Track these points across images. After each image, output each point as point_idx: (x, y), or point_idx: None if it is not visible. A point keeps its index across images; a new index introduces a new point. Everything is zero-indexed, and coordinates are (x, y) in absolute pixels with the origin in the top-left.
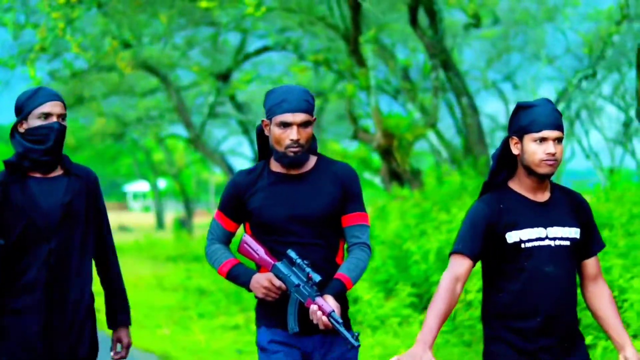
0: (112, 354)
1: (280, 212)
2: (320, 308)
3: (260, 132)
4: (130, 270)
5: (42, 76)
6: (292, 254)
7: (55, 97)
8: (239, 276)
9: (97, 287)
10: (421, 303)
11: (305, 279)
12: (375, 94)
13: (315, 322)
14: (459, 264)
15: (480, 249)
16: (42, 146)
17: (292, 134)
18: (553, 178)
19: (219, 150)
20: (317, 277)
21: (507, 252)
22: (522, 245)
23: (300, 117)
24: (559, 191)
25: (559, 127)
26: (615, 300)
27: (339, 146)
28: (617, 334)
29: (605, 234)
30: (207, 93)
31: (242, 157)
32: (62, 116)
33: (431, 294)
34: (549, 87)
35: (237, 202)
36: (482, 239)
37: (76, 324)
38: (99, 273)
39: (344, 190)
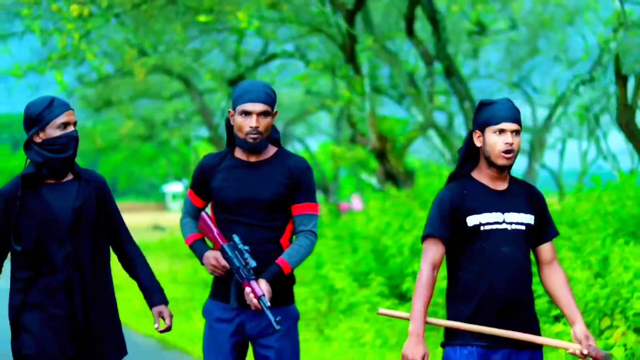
0: (155, 326)
1: (233, 193)
2: (252, 291)
3: (227, 122)
4: (150, 266)
5: (70, 81)
6: (236, 239)
7: (69, 106)
8: (196, 250)
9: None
10: (392, 292)
11: (244, 263)
12: (370, 100)
13: (248, 302)
14: (434, 250)
15: (449, 231)
16: (63, 155)
17: (252, 121)
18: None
19: None
20: (252, 263)
21: (467, 234)
22: (482, 228)
23: (259, 107)
24: (516, 183)
25: (517, 121)
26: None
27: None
28: (569, 311)
29: (563, 230)
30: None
31: None
32: (75, 124)
33: (406, 285)
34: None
35: (202, 181)
36: (449, 222)
37: (97, 324)
38: (125, 268)
39: (294, 181)
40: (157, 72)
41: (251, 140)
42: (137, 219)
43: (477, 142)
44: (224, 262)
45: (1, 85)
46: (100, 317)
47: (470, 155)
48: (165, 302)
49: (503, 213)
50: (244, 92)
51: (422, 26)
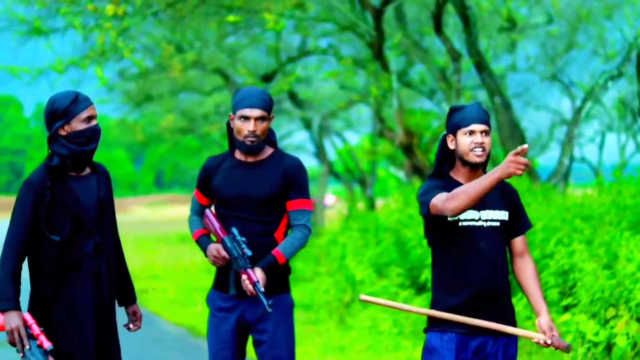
0: (130, 325)
1: (231, 191)
2: (248, 278)
3: (228, 125)
4: (186, 257)
5: (110, 75)
6: (235, 231)
7: (91, 101)
8: (201, 244)
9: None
10: (412, 283)
11: (241, 253)
12: (397, 96)
13: (244, 288)
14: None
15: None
16: (87, 147)
17: (250, 125)
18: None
19: (280, 146)
20: (249, 253)
21: (447, 229)
22: (460, 224)
23: (257, 112)
24: None
25: (485, 122)
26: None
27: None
28: (536, 302)
29: (576, 223)
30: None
31: (306, 152)
32: (96, 118)
33: (424, 276)
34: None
35: (206, 181)
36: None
37: (113, 311)
38: None
39: (288, 179)
40: (195, 67)
41: (249, 143)
42: (180, 211)
43: (451, 145)
44: (224, 253)
45: (44, 80)
46: (114, 308)
47: (445, 158)
48: (136, 300)
49: (479, 211)
50: (242, 98)
51: (453, 23)
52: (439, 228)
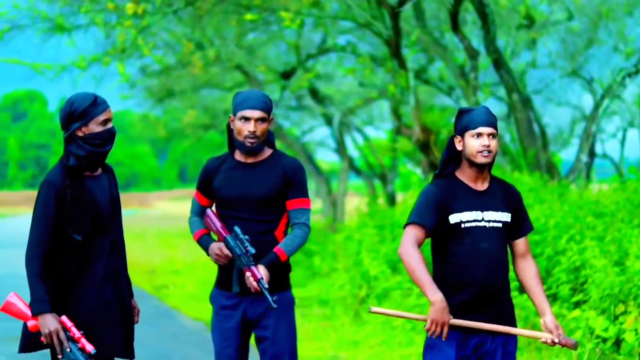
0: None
1: (232, 191)
2: (252, 275)
3: (228, 126)
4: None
5: (132, 72)
6: (237, 230)
7: (108, 104)
8: (202, 243)
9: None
10: None
11: (244, 251)
12: (414, 93)
13: (248, 285)
14: (417, 234)
15: (433, 223)
16: (103, 149)
17: (250, 126)
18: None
19: (301, 142)
20: (252, 250)
21: (450, 230)
22: (462, 225)
23: (257, 113)
24: (495, 182)
25: (493, 125)
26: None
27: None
28: (539, 302)
29: (588, 220)
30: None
31: (328, 148)
32: (112, 120)
33: None
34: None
35: (206, 182)
36: (434, 215)
37: (127, 306)
38: None
39: (287, 179)
40: (216, 64)
41: (249, 144)
42: None
43: (458, 146)
44: (226, 252)
45: (67, 77)
46: (129, 303)
47: (452, 158)
48: (132, 295)
49: (482, 211)
50: (243, 99)
51: (472, 20)
52: (442, 229)
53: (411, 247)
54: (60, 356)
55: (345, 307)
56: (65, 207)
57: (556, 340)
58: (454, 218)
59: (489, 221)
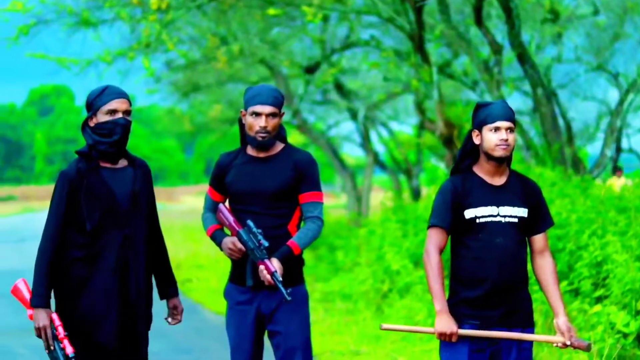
0: (169, 319)
1: (245, 186)
2: (266, 268)
3: (240, 121)
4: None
5: (158, 66)
6: (250, 224)
7: (121, 95)
8: (216, 238)
9: None
10: (448, 274)
11: (257, 244)
12: (438, 88)
13: (262, 279)
14: (439, 237)
15: (451, 219)
16: (109, 139)
17: (261, 121)
18: None
19: (326, 136)
20: (265, 243)
21: (465, 225)
22: (477, 221)
23: (268, 109)
24: (514, 177)
25: (510, 119)
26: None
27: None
28: (554, 302)
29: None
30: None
31: (353, 142)
32: (127, 112)
33: None
34: None
35: (219, 177)
36: (451, 211)
37: (144, 301)
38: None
39: (299, 173)
40: (240, 58)
41: (260, 138)
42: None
43: (476, 140)
44: (240, 246)
45: (92, 71)
46: (146, 295)
47: (469, 153)
48: (178, 293)
49: (498, 207)
50: (254, 95)
51: (497, 14)
52: (457, 224)
53: (432, 254)
54: (47, 351)
55: (367, 302)
56: (79, 195)
57: (567, 343)
58: (469, 213)
59: (504, 216)
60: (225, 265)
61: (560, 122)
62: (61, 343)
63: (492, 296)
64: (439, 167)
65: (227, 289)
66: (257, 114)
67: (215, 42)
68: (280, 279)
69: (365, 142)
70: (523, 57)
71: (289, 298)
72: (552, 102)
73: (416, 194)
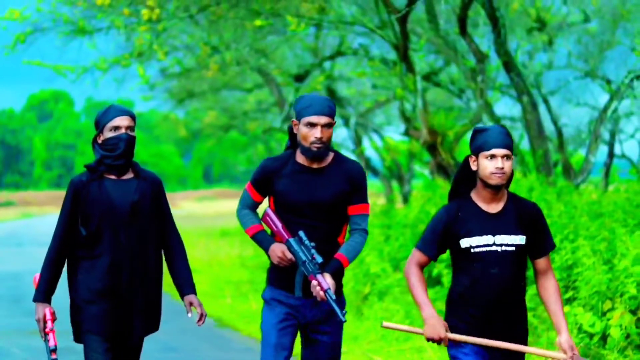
0: (189, 315)
1: (298, 197)
2: (319, 284)
3: (290, 129)
4: (222, 250)
5: (152, 74)
6: (302, 235)
7: (124, 112)
8: (261, 241)
9: None
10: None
11: (310, 258)
12: (422, 97)
13: (314, 294)
14: (421, 260)
15: (437, 251)
16: (114, 153)
17: (317, 132)
18: None
19: None
20: (319, 259)
21: (460, 253)
22: (472, 250)
23: (323, 119)
24: (512, 202)
25: (507, 147)
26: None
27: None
28: (557, 320)
29: (582, 220)
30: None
31: (347, 148)
32: (129, 128)
33: (436, 270)
34: None
35: (264, 182)
36: (439, 242)
37: (140, 302)
38: (165, 256)
39: (352, 185)
40: (232, 66)
41: (315, 149)
42: (227, 205)
43: (473, 166)
44: (290, 255)
45: (88, 78)
46: (144, 295)
47: (465, 178)
48: (195, 292)
49: (494, 236)
50: (308, 105)
51: (484, 23)
52: (453, 251)
53: (413, 267)
54: (43, 339)
55: (348, 304)
56: (81, 203)
57: None
58: (464, 242)
59: (500, 245)
60: (217, 269)
61: (552, 128)
62: (47, 335)
63: (486, 323)
64: (422, 173)
65: (267, 291)
66: (312, 125)
67: (207, 51)
68: (334, 297)
69: (358, 149)
70: (509, 65)
71: (344, 320)
72: (538, 110)
73: (406, 200)
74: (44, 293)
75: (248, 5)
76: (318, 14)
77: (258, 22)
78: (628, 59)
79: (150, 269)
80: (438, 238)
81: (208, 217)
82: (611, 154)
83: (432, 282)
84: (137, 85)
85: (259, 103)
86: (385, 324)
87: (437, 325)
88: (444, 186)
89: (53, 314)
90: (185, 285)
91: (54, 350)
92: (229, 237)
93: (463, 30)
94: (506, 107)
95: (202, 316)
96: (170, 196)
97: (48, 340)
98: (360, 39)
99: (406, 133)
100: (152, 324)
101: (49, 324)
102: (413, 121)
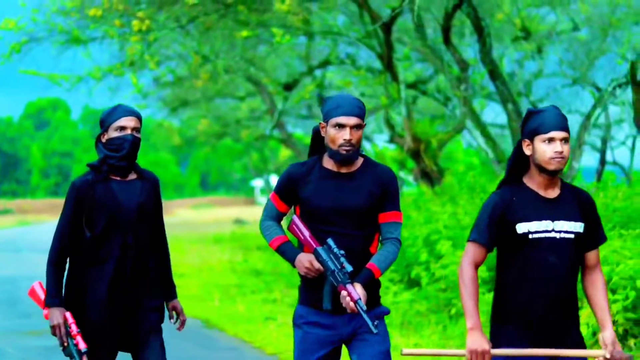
0: (172, 321)
1: (326, 204)
2: (349, 294)
3: (316, 133)
4: (214, 256)
5: (145, 82)
6: (331, 242)
7: (130, 113)
8: (286, 252)
9: None
10: (403, 279)
11: (339, 267)
12: (406, 105)
13: (344, 305)
14: (476, 252)
15: (494, 238)
16: (118, 154)
17: (346, 134)
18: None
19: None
20: (349, 268)
21: (516, 241)
22: (530, 236)
23: (353, 120)
24: (568, 189)
25: (565, 129)
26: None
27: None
28: (601, 317)
29: None
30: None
31: None
32: (136, 129)
33: (414, 272)
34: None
35: (290, 189)
36: (495, 229)
37: (143, 304)
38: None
39: (383, 190)
40: (223, 75)
41: (344, 152)
42: (223, 213)
43: (527, 151)
44: (318, 265)
45: (83, 87)
46: (146, 296)
47: (518, 163)
48: (176, 296)
49: (553, 221)
50: (337, 105)
51: (470, 32)
52: (506, 239)
53: (467, 266)
54: (61, 348)
55: None
56: (86, 205)
57: (608, 356)
58: (521, 228)
59: (559, 232)
60: (207, 274)
61: None
62: (74, 339)
63: (538, 324)
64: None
65: (298, 312)
66: (341, 126)
67: (198, 60)
68: (365, 307)
69: None
70: (494, 74)
71: (375, 331)
72: (522, 117)
73: None
74: (56, 297)
75: (236, 17)
76: (303, 25)
77: (244, 33)
78: (617, 67)
79: (150, 269)
80: (493, 224)
81: (202, 224)
82: (603, 161)
83: (411, 283)
84: (130, 94)
85: (252, 111)
86: (406, 350)
87: (482, 338)
88: (426, 191)
89: (72, 316)
90: (169, 289)
91: (86, 353)
92: (221, 243)
93: (447, 40)
94: (494, 114)
95: (183, 322)
96: (167, 204)
97: (76, 344)
98: (349, 49)
99: (391, 140)
100: (152, 325)
101: (74, 327)
102: (398, 129)
